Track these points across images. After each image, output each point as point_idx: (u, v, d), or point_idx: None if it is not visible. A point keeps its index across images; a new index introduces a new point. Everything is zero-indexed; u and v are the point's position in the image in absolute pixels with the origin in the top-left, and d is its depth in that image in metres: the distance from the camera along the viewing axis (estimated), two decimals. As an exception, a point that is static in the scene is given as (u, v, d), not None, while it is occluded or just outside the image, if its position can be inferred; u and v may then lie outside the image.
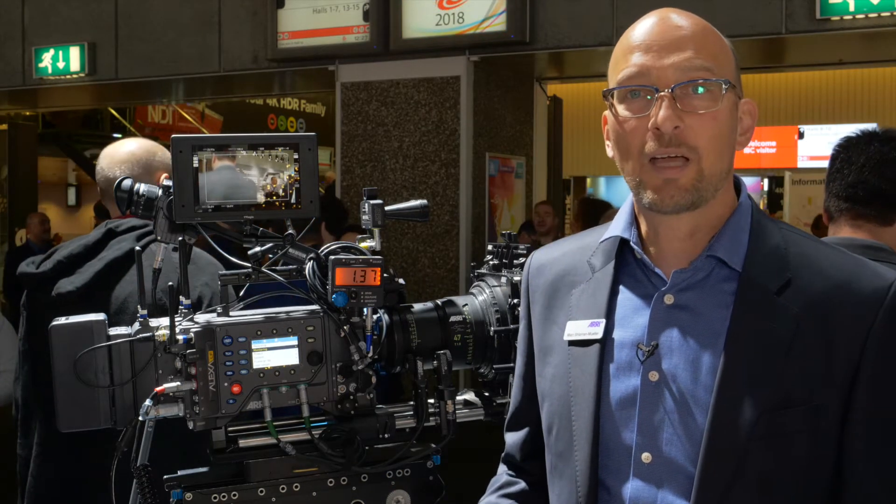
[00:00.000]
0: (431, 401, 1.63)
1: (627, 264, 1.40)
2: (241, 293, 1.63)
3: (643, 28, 1.32)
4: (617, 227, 1.41)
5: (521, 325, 1.54)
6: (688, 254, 1.34)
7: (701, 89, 1.28)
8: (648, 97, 1.29)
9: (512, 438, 1.57)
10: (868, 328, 1.25)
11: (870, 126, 2.21)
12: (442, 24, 7.39)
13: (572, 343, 1.39)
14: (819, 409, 1.24)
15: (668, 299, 1.32)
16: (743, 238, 1.33)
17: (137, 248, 1.73)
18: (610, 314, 1.37)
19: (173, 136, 1.53)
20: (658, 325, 1.33)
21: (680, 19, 1.32)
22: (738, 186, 1.39)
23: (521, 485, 1.55)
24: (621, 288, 1.39)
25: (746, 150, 11.42)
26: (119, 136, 13.99)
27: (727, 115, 1.31)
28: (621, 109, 1.32)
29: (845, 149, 2.15)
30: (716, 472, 1.24)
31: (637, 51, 1.31)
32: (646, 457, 1.30)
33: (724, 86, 1.29)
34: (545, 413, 1.44)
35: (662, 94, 1.27)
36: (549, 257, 1.52)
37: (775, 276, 1.29)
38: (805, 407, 1.24)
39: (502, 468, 1.60)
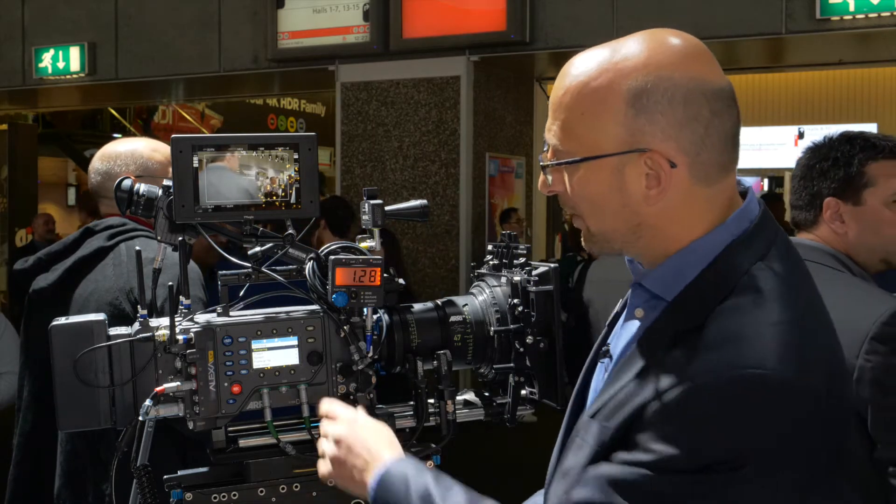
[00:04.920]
0: (431, 401, 1.63)
1: None
2: (241, 293, 1.63)
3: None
4: None
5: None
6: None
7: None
8: None
9: None
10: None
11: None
12: (444, 23, 7.39)
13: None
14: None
15: (639, 313, 1.32)
16: (688, 272, 1.24)
17: (137, 248, 1.73)
18: (616, 319, 1.45)
19: (173, 136, 1.53)
20: (614, 334, 1.42)
21: (569, 73, 1.34)
22: (746, 196, 1.31)
23: None
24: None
25: (746, 150, 11.40)
26: (119, 135, 14.00)
27: (584, 184, 1.27)
28: None
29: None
30: (552, 467, 1.35)
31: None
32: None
33: (552, 165, 1.30)
34: None
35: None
36: None
37: (691, 317, 1.20)
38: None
39: None
